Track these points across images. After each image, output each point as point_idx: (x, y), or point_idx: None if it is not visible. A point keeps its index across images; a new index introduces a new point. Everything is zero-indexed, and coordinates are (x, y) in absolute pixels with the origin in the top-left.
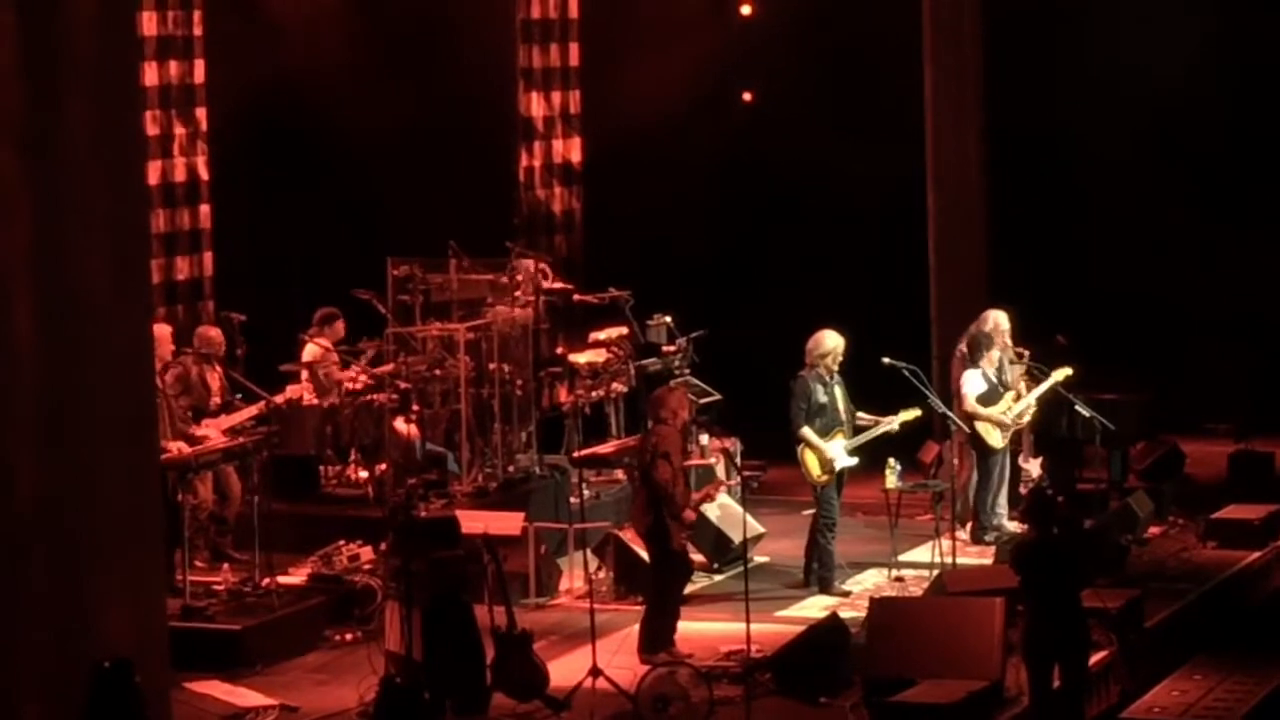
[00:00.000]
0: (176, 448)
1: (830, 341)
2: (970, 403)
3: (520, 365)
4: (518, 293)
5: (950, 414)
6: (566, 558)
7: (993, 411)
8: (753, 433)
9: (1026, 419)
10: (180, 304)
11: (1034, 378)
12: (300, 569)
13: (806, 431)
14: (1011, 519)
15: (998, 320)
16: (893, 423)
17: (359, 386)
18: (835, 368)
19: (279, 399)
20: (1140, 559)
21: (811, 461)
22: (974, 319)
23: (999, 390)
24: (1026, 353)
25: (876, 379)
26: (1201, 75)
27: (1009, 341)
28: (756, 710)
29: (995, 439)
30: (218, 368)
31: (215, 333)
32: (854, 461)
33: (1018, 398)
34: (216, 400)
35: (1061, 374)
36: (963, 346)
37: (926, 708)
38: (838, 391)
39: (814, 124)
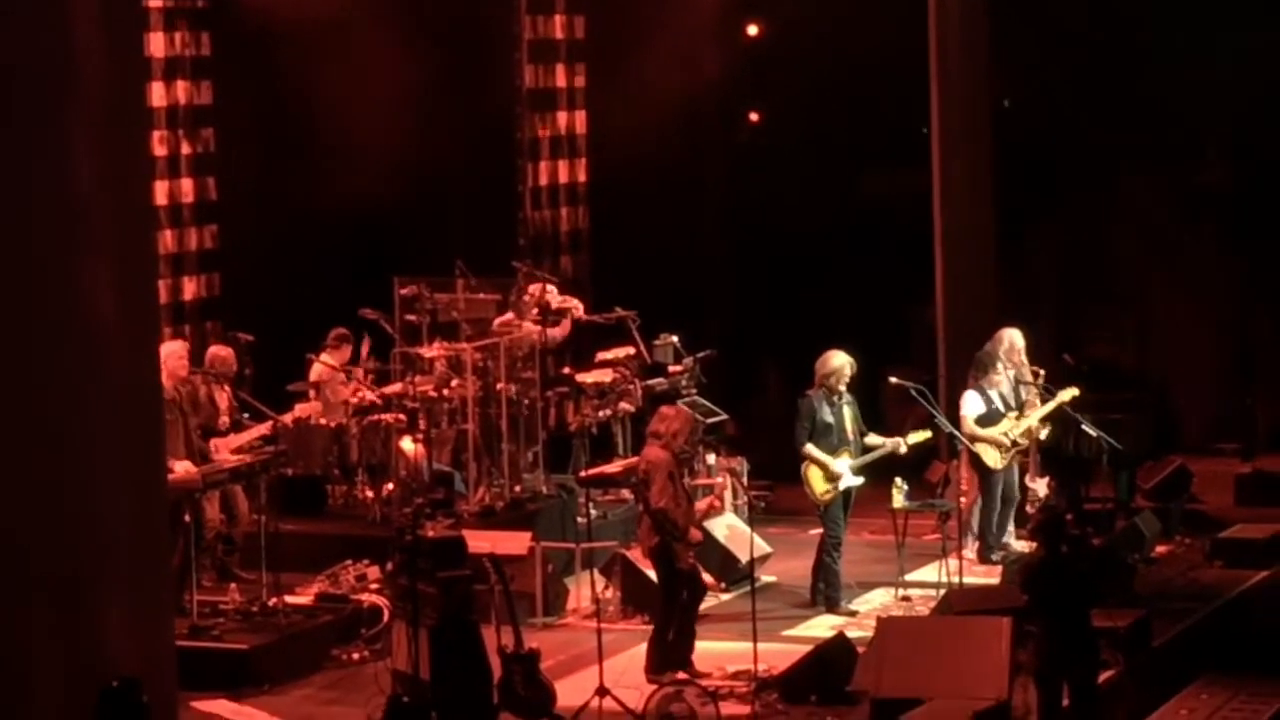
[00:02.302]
0: (183, 467)
1: (836, 361)
2: (968, 424)
3: (527, 385)
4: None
5: (957, 433)
6: (573, 577)
7: (992, 431)
8: (759, 452)
9: (1042, 435)
10: (187, 324)
11: (1044, 399)
12: (307, 588)
13: (810, 448)
14: (1019, 538)
15: (1012, 339)
16: (900, 444)
17: (364, 401)
18: (842, 387)
19: (287, 418)
20: (1147, 578)
21: (815, 478)
22: (982, 338)
23: (1000, 411)
24: (1042, 373)
25: (882, 398)
26: (1213, 99)
27: (1024, 360)
28: None
29: (992, 458)
30: (226, 388)
31: (228, 353)
32: (860, 481)
33: (1020, 417)
34: (225, 420)
35: (1068, 394)
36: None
37: None
38: (846, 411)
39: (821, 143)
